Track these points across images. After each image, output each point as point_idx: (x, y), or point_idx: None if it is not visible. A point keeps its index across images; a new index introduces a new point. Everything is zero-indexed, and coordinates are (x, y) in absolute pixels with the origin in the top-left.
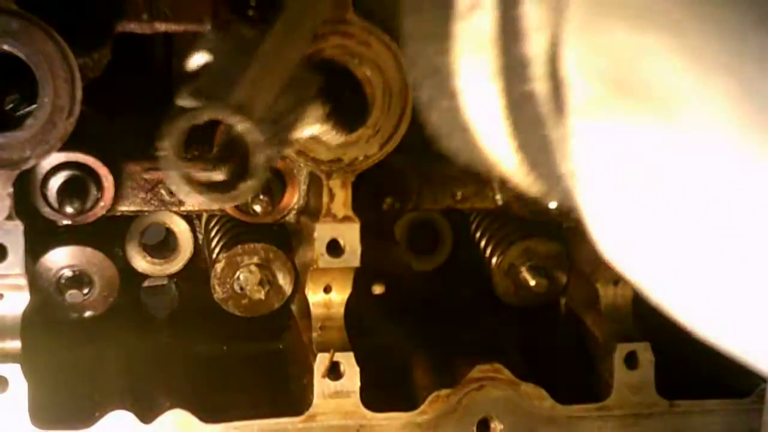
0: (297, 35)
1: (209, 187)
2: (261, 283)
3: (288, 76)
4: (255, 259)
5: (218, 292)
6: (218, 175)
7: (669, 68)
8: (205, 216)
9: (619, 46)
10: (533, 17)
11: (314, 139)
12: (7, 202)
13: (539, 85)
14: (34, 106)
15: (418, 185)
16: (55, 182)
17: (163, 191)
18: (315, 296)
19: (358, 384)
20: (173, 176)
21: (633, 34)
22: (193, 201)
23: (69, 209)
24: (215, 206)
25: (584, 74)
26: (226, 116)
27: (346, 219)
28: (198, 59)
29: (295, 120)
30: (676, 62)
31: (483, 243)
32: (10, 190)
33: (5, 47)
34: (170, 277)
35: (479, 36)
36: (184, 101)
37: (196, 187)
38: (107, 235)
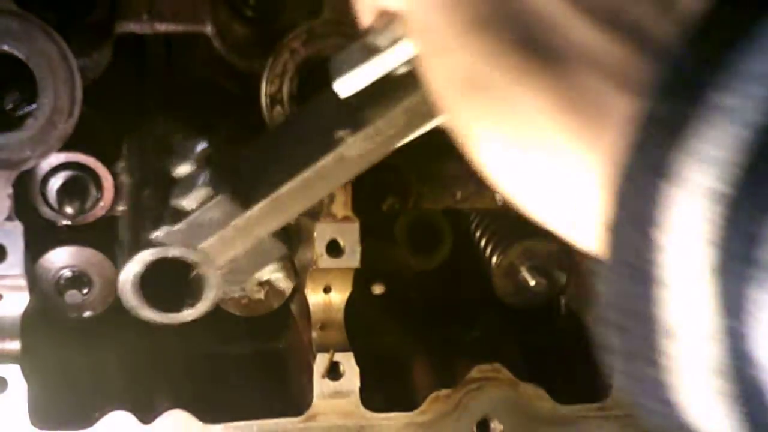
0: (272, 218)
1: (158, 304)
2: (260, 284)
3: (256, 242)
4: None
5: None
6: None
7: None
8: None
9: None
10: None
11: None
12: (7, 203)
13: None
14: (33, 106)
15: (418, 185)
16: (55, 182)
17: None
18: (314, 296)
19: (358, 384)
20: (128, 289)
21: None
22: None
23: (69, 209)
24: (158, 322)
25: None
26: (192, 258)
27: (345, 219)
28: (190, 201)
29: (252, 270)
30: None
31: (483, 243)
32: (10, 190)
33: (5, 48)
34: None
35: (705, 360)
36: (158, 237)
37: (146, 303)
38: (107, 235)
